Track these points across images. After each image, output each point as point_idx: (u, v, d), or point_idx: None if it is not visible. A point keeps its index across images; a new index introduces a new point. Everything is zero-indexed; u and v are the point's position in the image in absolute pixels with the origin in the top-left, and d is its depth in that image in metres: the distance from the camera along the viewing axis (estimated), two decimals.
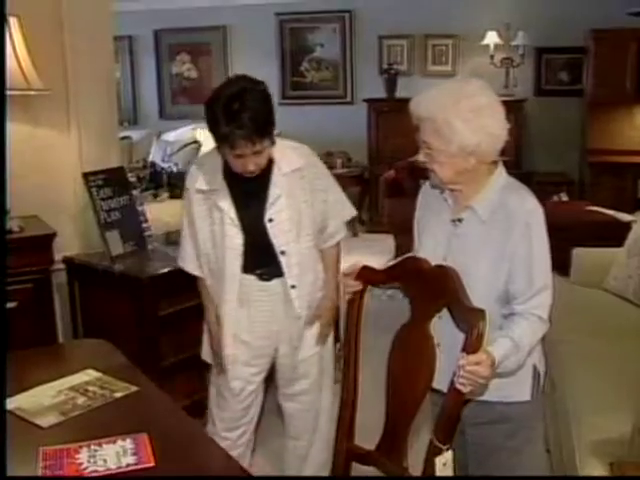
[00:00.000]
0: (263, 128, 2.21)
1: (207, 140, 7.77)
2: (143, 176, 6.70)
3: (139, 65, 8.83)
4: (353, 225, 7.60)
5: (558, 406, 2.82)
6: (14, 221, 2.95)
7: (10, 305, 2.83)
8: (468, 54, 7.41)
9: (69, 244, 3.32)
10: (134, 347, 2.88)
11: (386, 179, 6.31)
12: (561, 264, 4.53)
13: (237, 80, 2.29)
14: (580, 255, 4.07)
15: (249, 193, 2.39)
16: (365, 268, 2.06)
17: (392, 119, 7.12)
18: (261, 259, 2.42)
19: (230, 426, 2.59)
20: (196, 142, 8.01)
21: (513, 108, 6.95)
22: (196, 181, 2.42)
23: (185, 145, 8.00)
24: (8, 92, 2.82)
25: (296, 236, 2.42)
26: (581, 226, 5.36)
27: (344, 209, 2.64)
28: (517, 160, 7.02)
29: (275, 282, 2.46)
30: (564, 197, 6.72)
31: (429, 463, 1.83)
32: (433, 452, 1.83)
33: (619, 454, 2.13)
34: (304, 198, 2.43)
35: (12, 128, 3.09)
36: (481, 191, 1.96)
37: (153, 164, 6.99)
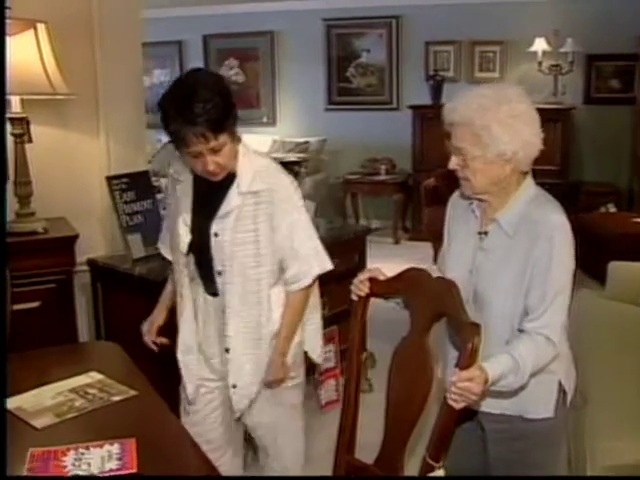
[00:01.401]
0: (217, 123, 2.01)
1: (252, 145, 7.86)
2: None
3: (188, 70, 8.93)
4: (395, 232, 7.57)
5: (578, 426, 2.72)
6: (39, 223, 3.02)
7: (32, 305, 2.90)
8: (515, 61, 7.28)
9: (95, 246, 3.38)
10: (152, 349, 2.90)
11: (426, 187, 6.25)
12: (602, 276, 4.41)
13: (191, 74, 2.13)
14: (616, 268, 3.94)
15: (207, 198, 2.21)
16: (370, 279, 2.05)
17: (437, 126, 6.88)
18: (202, 271, 2.28)
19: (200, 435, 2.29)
20: None
21: (561, 116, 6.81)
22: (172, 166, 2.33)
23: None
24: (33, 97, 2.90)
25: (237, 260, 2.19)
26: (624, 238, 5.22)
27: (310, 258, 2.27)
28: (564, 169, 6.87)
29: (219, 299, 2.28)
30: (612, 208, 6.52)
31: None
32: (426, 469, 1.80)
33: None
34: (253, 227, 2.17)
35: (43, 131, 3.18)
36: (508, 202, 1.92)
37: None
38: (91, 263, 3.30)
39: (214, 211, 2.19)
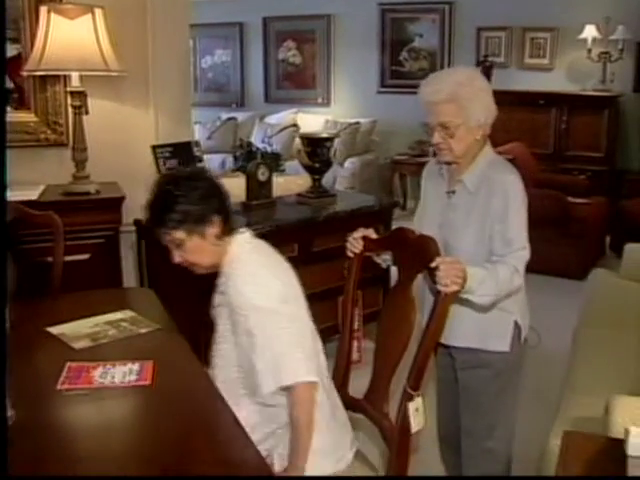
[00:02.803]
0: (174, 220, 2.00)
1: (305, 124, 8.19)
2: (240, 154, 7.20)
3: (248, 50, 9.32)
4: None
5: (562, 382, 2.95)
6: (92, 185, 3.42)
7: (83, 257, 3.30)
8: (565, 48, 7.31)
9: (142, 208, 3.76)
10: (188, 300, 3.25)
11: None
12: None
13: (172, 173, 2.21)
14: (633, 250, 4.09)
15: None
16: (363, 237, 2.36)
17: None
18: None
19: None
20: (295, 125, 8.41)
21: (608, 104, 6.81)
22: None
23: (284, 128, 8.43)
24: (90, 73, 3.28)
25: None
26: None
27: (266, 372, 1.97)
28: (609, 157, 6.87)
29: None
30: None
31: (402, 408, 2.07)
32: (406, 398, 2.07)
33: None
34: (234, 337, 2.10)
35: (99, 104, 3.58)
36: (471, 164, 2.29)
37: (249, 144, 7.43)
38: (137, 223, 3.68)
39: None
